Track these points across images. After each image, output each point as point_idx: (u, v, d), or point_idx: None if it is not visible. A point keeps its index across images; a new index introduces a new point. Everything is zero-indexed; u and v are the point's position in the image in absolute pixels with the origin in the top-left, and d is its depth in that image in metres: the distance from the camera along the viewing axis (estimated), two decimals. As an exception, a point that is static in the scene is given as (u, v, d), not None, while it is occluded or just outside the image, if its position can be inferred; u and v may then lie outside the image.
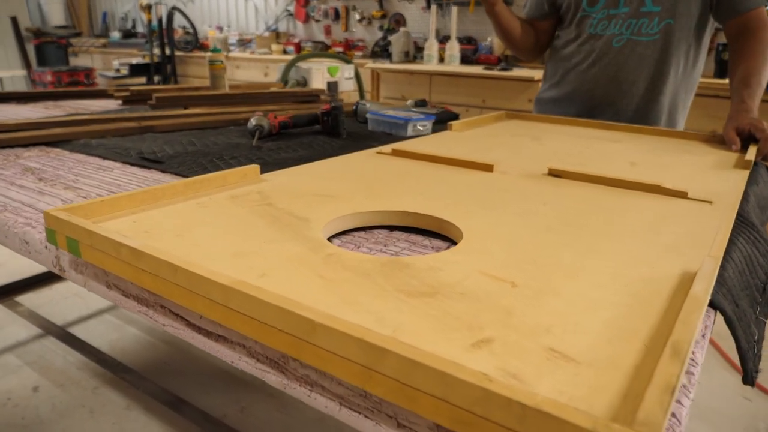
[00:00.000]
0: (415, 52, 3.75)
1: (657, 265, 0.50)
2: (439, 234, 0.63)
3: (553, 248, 0.53)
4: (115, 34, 5.39)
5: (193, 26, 4.58)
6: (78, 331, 2.03)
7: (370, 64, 3.59)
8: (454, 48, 3.48)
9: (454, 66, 3.41)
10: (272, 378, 0.43)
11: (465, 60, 3.56)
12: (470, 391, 0.29)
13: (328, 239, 0.60)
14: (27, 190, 0.83)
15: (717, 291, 0.49)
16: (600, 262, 0.50)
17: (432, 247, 0.59)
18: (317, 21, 4.42)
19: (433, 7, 3.49)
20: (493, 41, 3.61)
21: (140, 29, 5.71)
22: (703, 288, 0.40)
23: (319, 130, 1.23)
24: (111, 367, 1.68)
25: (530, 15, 1.51)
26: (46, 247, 0.64)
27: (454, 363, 0.30)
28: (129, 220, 0.59)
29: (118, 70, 4.40)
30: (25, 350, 1.91)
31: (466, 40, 3.70)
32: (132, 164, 0.97)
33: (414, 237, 0.62)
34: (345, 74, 3.16)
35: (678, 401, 0.34)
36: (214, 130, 1.29)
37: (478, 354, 0.35)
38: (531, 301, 0.42)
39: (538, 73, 2.88)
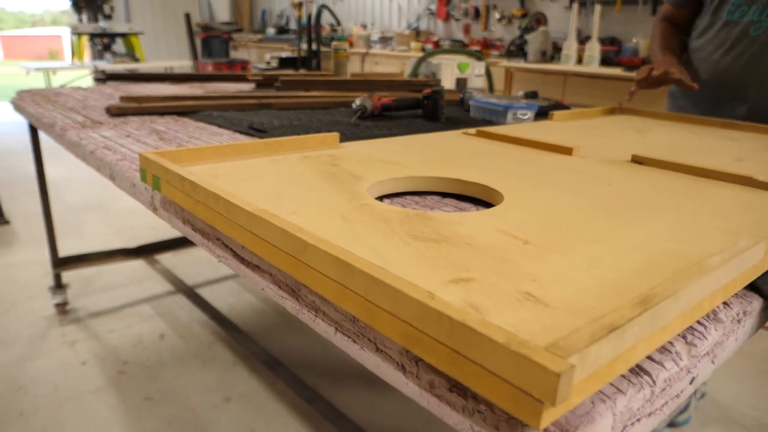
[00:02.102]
0: (554, 53, 3.64)
1: (698, 243, 0.47)
2: (490, 204, 0.63)
3: (589, 219, 0.52)
4: (270, 30, 5.82)
5: (338, 23, 4.81)
6: (203, 292, 2.25)
7: (505, 62, 3.54)
8: (594, 48, 3.33)
9: (591, 67, 3.27)
10: (289, 304, 0.47)
11: (606, 62, 3.39)
12: (413, 306, 0.30)
13: (380, 199, 0.63)
14: (147, 146, 0.95)
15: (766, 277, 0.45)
16: (633, 235, 0.48)
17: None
18: (457, 20, 4.45)
19: (575, 5, 3.36)
20: (638, 42, 3.40)
21: (293, 26, 6.11)
22: (721, 260, 0.38)
23: (420, 113, 1.26)
24: (226, 327, 1.84)
25: (671, 1, 1.42)
26: (146, 188, 0.73)
27: (406, 281, 0.32)
28: (207, 167, 0.67)
29: (268, 63, 4.75)
30: (158, 303, 2.15)
31: (609, 41, 3.52)
32: (241, 132, 1.07)
33: (463, 204, 0.63)
34: (475, 71, 3.15)
35: (651, 358, 0.33)
36: (325, 110, 1.37)
37: (451, 288, 0.36)
38: (534, 256, 0.42)
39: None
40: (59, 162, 4.22)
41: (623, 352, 0.29)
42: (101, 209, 3.19)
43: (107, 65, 5.01)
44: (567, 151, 0.81)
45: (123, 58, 5.22)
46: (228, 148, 0.71)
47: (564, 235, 0.47)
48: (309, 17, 4.75)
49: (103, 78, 2.03)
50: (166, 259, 2.52)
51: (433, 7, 4.61)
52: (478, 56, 3.16)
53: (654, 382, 0.33)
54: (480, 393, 0.28)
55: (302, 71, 2.09)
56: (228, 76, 2.03)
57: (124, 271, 2.40)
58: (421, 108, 1.23)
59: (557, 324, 0.32)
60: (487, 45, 4.11)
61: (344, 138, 0.99)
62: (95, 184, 3.67)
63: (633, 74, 2.90)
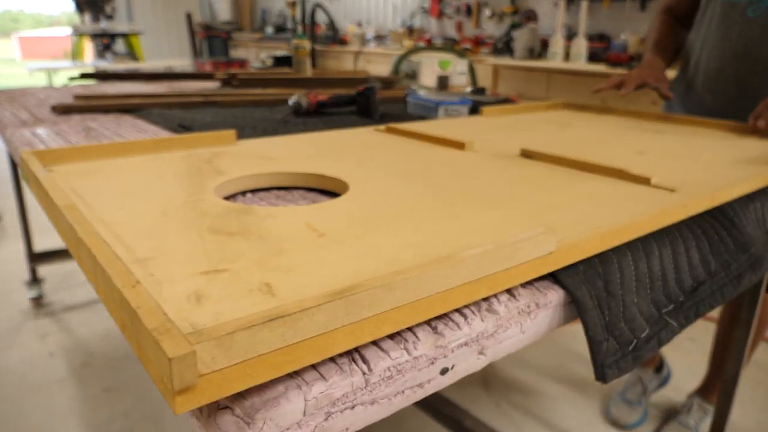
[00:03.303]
0: (542, 49, 3.62)
1: (505, 235, 0.48)
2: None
3: (414, 212, 0.53)
4: (269, 29, 5.86)
5: (332, 21, 4.83)
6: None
7: (491, 60, 3.53)
8: (580, 45, 3.31)
9: (575, 63, 3.25)
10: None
11: (594, 58, 3.36)
12: (116, 295, 0.32)
13: (243, 193, 0.65)
14: (67, 142, 0.97)
15: (574, 270, 0.46)
16: (446, 228, 0.49)
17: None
18: (449, 17, 4.44)
19: (561, 2, 3.34)
20: (627, 39, 3.37)
21: (290, 25, 6.13)
22: (476, 254, 0.38)
23: (355, 110, 1.27)
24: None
25: None
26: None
27: (123, 272, 0.33)
28: (81, 165, 0.69)
29: (264, 62, 4.78)
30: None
31: (597, 37, 3.50)
32: (170, 129, 1.09)
33: (322, 197, 0.65)
34: (458, 69, 3.15)
35: (379, 346, 0.34)
36: (271, 107, 1.39)
37: (196, 280, 0.38)
38: (315, 248, 0.43)
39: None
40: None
41: (305, 340, 0.31)
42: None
43: (108, 65, 5.08)
44: (460, 145, 0.82)
45: (123, 57, 5.28)
46: (115, 147, 0.73)
47: (371, 227, 0.48)
48: (303, 16, 4.78)
49: (76, 78, 2.06)
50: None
51: (427, 4, 4.61)
52: (460, 54, 3.16)
53: (370, 369, 0.34)
54: (152, 376, 0.29)
55: (260, 70, 2.11)
56: (197, 74, 2.05)
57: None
58: (355, 105, 1.25)
59: (261, 316, 0.33)
60: (479, 42, 4.10)
61: (270, 134, 1.01)
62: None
63: (618, 71, 2.88)
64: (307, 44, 1.78)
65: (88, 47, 5.48)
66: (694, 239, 0.57)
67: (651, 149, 0.88)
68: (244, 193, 0.66)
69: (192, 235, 0.45)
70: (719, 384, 1.46)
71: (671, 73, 2.49)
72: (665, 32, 1.36)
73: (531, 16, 3.93)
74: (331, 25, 4.96)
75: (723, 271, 0.57)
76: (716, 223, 0.61)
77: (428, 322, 0.39)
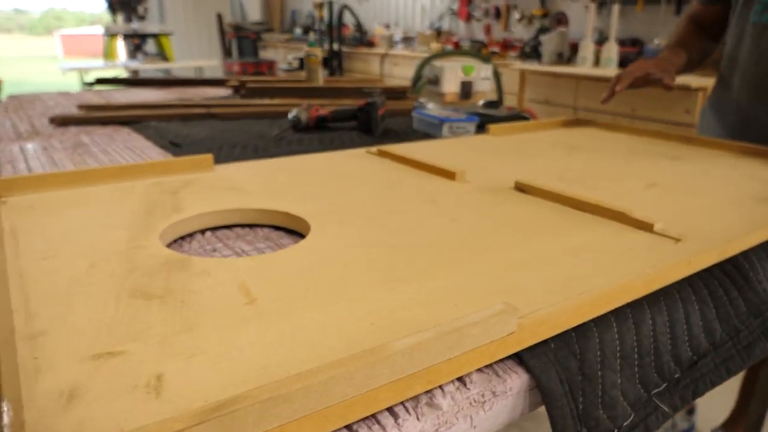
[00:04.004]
0: (572, 54, 3.51)
1: (463, 309, 0.42)
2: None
3: (370, 271, 0.47)
4: (298, 30, 5.84)
5: (359, 23, 4.79)
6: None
7: (518, 64, 3.44)
8: (611, 50, 3.19)
9: (605, 69, 3.13)
10: None
11: (625, 63, 3.23)
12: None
13: (210, 230, 0.60)
14: (49, 162, 0.94)
15: (542, 349, 0.39)
16: (399, 293, 0.43)
17: (281, 246, 0.56)
18: (478, 20, 4.35)
19: (591, 5, 3.22)
20: (661, 43, 3.23)
21: (318, 26, 6.12)
22: (402, 347, 0.32)
23: (356, 126, 1.22)
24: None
25: None
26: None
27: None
28: (33, 197, 0.65)
29: (290, 63, 4.77)
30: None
31: (630, 42, 3.36)
32: (160, 146, 1.05)
33: (286, 238, 0.59)
34: (481, 74, 3.06)
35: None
36: (273, 119, 1.34)
37: (86, 366, 0.32)
38: (233, 324, 0.38)
39: (697, 81, 2.51)
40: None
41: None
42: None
43: (138, 65, 5.14)
44: (450, 175, 0.76)
45: (153, 57, 5.34)
46: (78, 175, 0.69)
47: (309, 293, 0.42)
48: (331, 17, 4.75)
49: (92, 83, 2.06)
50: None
51: (455, 6, 4.52)
52: (485, 59, 3.08)
53: None
54: None
55: (276, 77, 2.07)
56: (210, 81, 2.02)
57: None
58: (356, 120, 1.19)
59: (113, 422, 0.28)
60: (507, 46, 4.00)
61: (261, 153, 0.96)
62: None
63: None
64: (319, 52, 1.73)
65: (120, 47, 5.55)
66: (697, 302, 0.50)
67: (663, 181, 0.80)
68: (203, 231, 0.61)
69: (108, 298, 0.40)
70: (744, 421, 1.36)
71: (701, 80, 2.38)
72: (686, 36, 1.29)
73: (561, 20, 3.81)
74: (359, 27, 4.92)
75: (730, 340, 0.50)
76: (727, 279, 0.54)
77: (347, 426, 0.33)
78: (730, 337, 0.50)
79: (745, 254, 0.58)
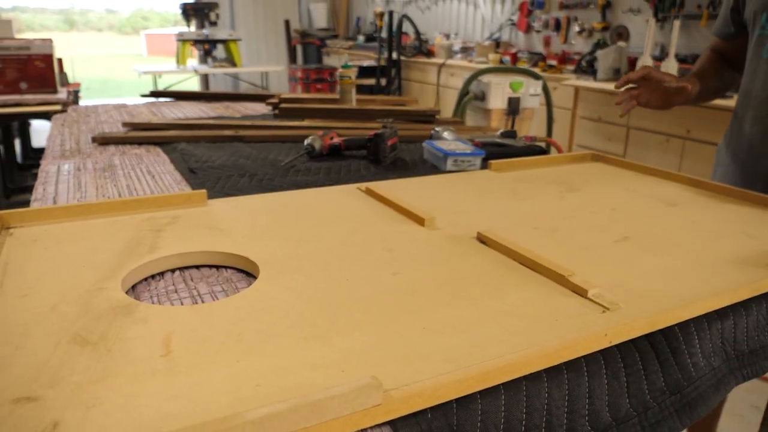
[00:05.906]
0: (629, 70, 3.41)
1: (353, 369, 0.46)
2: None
3: (293, 327, 0.52)
4: (361, 38, 5.95)
5: (417, 33, 4.83)
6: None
7: (572, 80, 3.38)
8: (670, 66, 3.08)
9: (664, 88, 3.02)
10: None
11: (685, 81, 3.12)
12: None
13: (179, 270, 0.66)
14: (76, 186, 1.04)
15: (416, 420, 0.43)
16: (297, 355, 0.48)
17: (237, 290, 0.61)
18: (537, 31, 4.29)
19: (651, 19, 3.12)
20: (725, 62, 3.09)
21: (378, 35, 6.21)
22: (259, 417, 0.37)
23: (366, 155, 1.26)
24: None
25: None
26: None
27: None
28: (39, 229, 0.73)
29: (349, 71, 4.85)
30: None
31: (691, 59, 3.24)
32: (180, 170, 1.14)
33: (249, 281, 0.65)
34: (530, 90, 3.04)
35: None
36: (294, 142, 1.41)
37: (5, 409, 0.39)
38: (139, 377, 0.43)
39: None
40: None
41: None
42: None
43: (207, 69, 5.40)
44: (420, 221, 0.79)
45: (222, 62, 5.58)
46: (81, 208, 0.78)
47: (225, 346, 0.48)
48: (390, 26, 4.81)
49: (148, 95, 2.21)
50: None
51: (515, 17, 4.48)
52: (535, 75, 3.05)
53: None
54: None
55: (310, 95, 2.14)
56: (254, 96, 2.13)
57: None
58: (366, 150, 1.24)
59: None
60: (565, 59, 3.94)
61: (265, 184, 1.03)
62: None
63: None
64: (352, 73, 1.79)
65: (192, 52, 5.83)
66: (606, 375, 0.51)
67: (640, 233, 0.80)
68: (173, 270, 0.67)
69: (50, 342, 0.47)
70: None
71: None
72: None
73: (622, 33, 3.71)
74: (418, 36, 4.96)
75: (637, 416, 0.51)
76: (651, 351, 0.55)
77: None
78: (638, 413, 0.51)
79: (685, 323, 0.59)
